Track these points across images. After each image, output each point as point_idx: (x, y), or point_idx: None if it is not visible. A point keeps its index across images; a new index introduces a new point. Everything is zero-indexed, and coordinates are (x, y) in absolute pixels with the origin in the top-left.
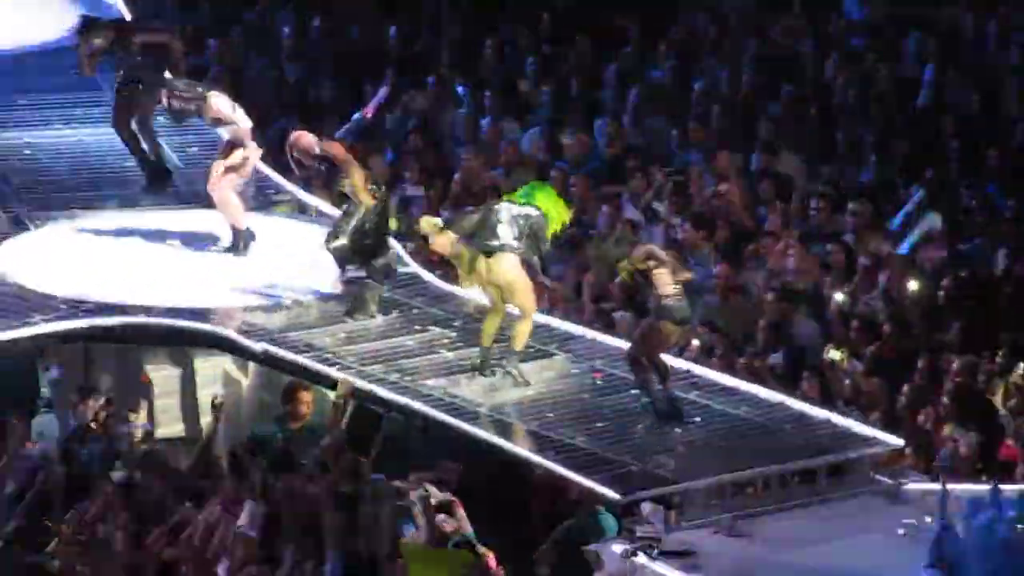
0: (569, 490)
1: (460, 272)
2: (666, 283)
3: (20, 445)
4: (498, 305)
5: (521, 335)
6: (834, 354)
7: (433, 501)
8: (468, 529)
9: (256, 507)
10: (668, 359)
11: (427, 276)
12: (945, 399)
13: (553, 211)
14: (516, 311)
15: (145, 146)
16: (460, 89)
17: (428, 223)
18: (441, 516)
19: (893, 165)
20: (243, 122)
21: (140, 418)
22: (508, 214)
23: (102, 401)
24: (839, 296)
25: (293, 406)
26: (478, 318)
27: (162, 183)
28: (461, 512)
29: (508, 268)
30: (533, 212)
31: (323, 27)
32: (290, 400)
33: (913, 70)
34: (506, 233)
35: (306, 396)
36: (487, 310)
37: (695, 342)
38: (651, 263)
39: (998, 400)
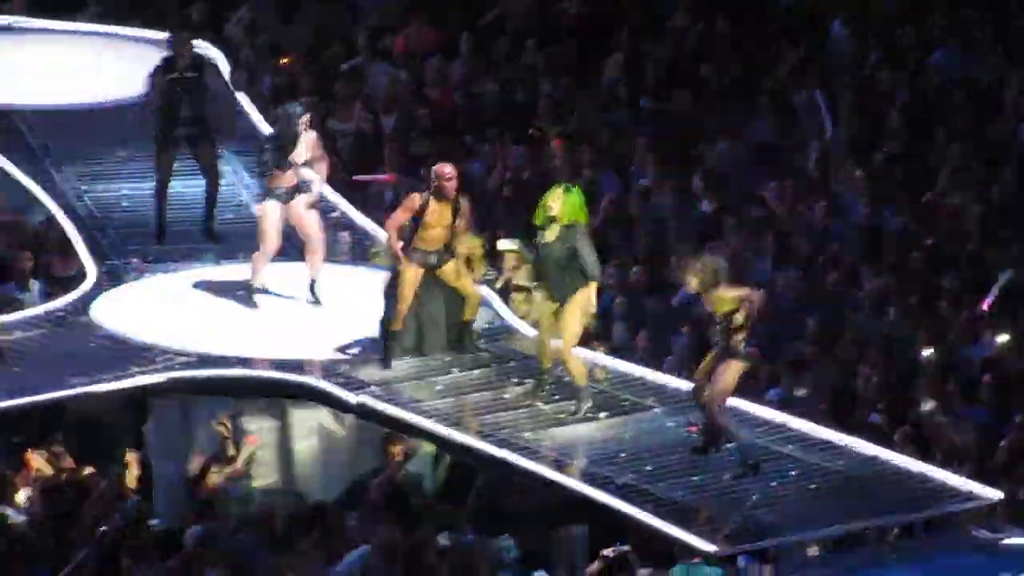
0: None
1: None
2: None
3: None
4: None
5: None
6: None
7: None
8: None
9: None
10: (765, 411)
11: (522, 327)
12: None
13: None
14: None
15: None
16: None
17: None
18: None
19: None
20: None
21: (227, 472)
22: None
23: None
24: (926, 351)
25: (385, 458)
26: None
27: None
28: None
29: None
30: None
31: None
32: (382, 453)
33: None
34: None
35: (395, 448)
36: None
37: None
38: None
39: None
